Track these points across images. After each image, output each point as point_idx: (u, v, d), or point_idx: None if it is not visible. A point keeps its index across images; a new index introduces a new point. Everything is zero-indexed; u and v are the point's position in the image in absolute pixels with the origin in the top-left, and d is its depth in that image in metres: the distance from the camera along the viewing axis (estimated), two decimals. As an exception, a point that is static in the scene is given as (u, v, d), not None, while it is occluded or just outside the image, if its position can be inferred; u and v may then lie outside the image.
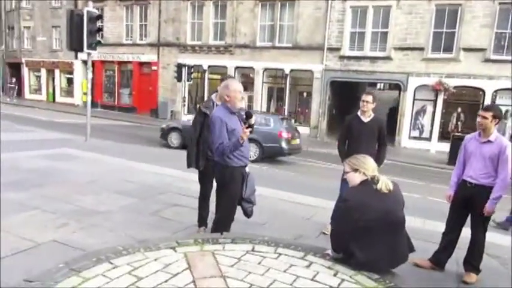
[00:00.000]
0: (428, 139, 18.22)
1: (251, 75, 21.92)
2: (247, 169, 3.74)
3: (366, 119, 4.60)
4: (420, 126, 18.66)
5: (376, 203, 2.77)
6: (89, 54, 10.61)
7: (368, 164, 2.95)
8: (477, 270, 3.88)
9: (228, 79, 3.73)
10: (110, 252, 2.88)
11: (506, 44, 16.70)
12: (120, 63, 25.59)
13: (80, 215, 4.84)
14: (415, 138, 18.59)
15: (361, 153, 3.68)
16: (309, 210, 5.97)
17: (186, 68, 20.03)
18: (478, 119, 3.80)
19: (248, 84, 22.38)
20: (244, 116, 3.74)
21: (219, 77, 22.87)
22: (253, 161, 11.73)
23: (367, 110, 4.56)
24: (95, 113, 23.78)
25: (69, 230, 4.33)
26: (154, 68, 24.15)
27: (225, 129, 3.37)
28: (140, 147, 11.75)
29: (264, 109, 22.11)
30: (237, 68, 21.80)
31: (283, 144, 11.43)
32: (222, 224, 3.61)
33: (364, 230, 2.75)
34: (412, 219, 5.94)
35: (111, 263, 2.69)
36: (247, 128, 3.39)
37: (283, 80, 21.16)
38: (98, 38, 11.10)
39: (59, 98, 29.10)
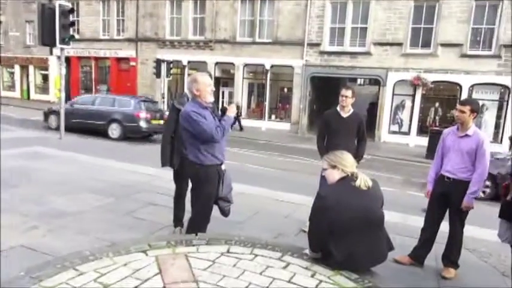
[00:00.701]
0: (407, 133, 18.46)
1: (231, 71, 21.73)
2: (223, 167, 3.61)
3: (345, 114, 4.53)
4: (399, 121, 18.87)
5: (354, 201, 2.69)
6: (62, 49, 10.26)
7: (346, 160, 2.86)
8: (456, 265, 3.87)
9: (196, 73, 3.58)
10: (75, 258, 2.71)
11: (482, 39, 17.01)
12: (97, 59, 25.02)
13: (51, 217, 4.63)
14: (394, 132, 18.81)
15: (340, 149, 3.61)
16: (289, 207, 5.89)
17: (165, 63, 19.65)
18: (456, 113, 3.77)
19: (228, 80, 22.23)
20: (220, 113, 3.63)
21: (199, 72, 22.76)
22: (115, 139, 12.77)
23: (347, 105, 4.48)
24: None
25: (38, 234, 4.13)
26: (132, 63, 23.69)
27: (202, 117, 3.24)
28: (118, 144, 11.46)
29: (245, 105, 22.01)
30: (217, 63, 21.58)
31: (142, 124, 12.94)
32: (197, 225, 3.47)
33: (342, 229, 2.67)
34: (392, 215, 5.97)
35: (76, 270, 2.52)
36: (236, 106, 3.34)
37: (264, 75, 21.06)
38: (72, 33, 10.73)
39: (33, 95, 28.25)
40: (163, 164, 4.20)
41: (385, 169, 11.84)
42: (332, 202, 2.67)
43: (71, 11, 10.08)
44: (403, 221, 5.59)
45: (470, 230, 5.02)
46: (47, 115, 14.41)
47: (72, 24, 10.20)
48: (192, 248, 2.99)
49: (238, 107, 19.74)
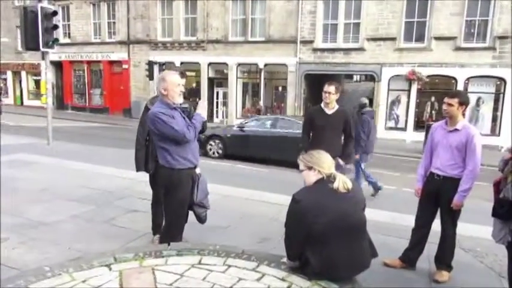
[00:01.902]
0: (404, 129, 18.24)
1: (225, 71, 21.50)
2: (197, 170, 3.39)
3: (329, 111, 4.32)
4: (395, 117, 18.66)
5: (332, 204, 2.47)
6: (46, 53, 10.01)
7: (323, 161, 2.64)
8: (449, 268, 3.65)
9: (167, 71, 3.33)
10: (31, 275, 2.50)
11: (476, 31, 16.80)
12: (89, 62, 24.76)
13: (25, 228, 4.41)
14: (391, 128, 18.58)
15: (325, 147, 3.39)
16: (276, 209, 5.64)
17: (158, 65, 19.44)
18: (444, 107, 3.55)
19: (222, 80, 22.00)
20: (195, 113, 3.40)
21: (193, 74, 22.54)
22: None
23: (331, 102, 4.27)
24: (65, 115, 23.05)
25: (9, 246, 3.91)
26: (125, 66, 23.44)
27: (171, 118, 3.03)
28: (106, 149, 11.22)
29: (240, 105, 21.78)
30: (210, 64, 21.37)
31: None
32: (171, 233, 3.25)
33: (319, 235, 2.45)
34: (385, 214, 5.76)
35: (28, 289, 2.31)
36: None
37: (258, 74, 20.83)
38: (63, 37, 10.51)
39: (26, 101, 28.01)
40: (138, 169, 3.98)
41: (382, 166, 11.61)
42: (308, 205, 2.46)
43: (54, 13, 9.82)
44: (396, 221, 5.37)
45: (466, 228, 4.82)
46: None
47: (56, 27, 9.93)
48: (161, 260, 2.77)
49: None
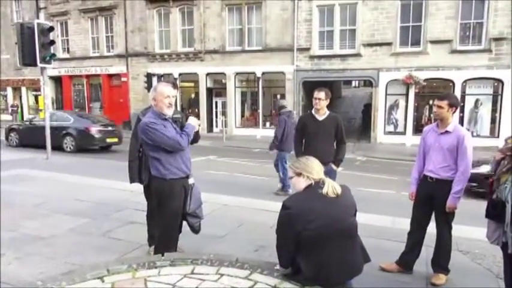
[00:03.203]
0: (403, 133, 18.25)
1: (223, 80, 21.61)
2: (191, 180, 3.40)
3: (320, 117, 4.34)
4: (394, 121, 18.68)
5: (321, 210, 2.48)
6: (43, 68, 10.10)
7: (312, 167, 2.64)
8: (446, 270, 3.63)
9: (160, 82, 3.36)
10: (23, 290, 2.50)
11: (471, 34, 16.89)
12: (88, 76, 24.93)
13: (21, 242, 4.41)
14: (390, 133, 18.60)
15: (318, 153, 3.41)
16: (275, 217, 5.62)
17: (156, 77, 19.59)
18: (434, 109, 3.57)
19: (221, 90, 22.09)
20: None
21: (191, 84, 22.66)
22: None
23: (321, 108, 4.29)
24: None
25: (4, 262, 3.91)
26: (124, 79, 23.59)
27: (163, 127, 3.04)
28: (105, 161, 11.25)
29: (239, 114, 21.84)
30: (208, 74, 21.49)
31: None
32: (165, 244, 3.25)
33: (310, 241, 2.45)
34: (385, 219, 5.74)
35: (20, 304, 2.31)
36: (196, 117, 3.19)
37: (256, 83, 20.92)
38: (62, 52, 10.62)
39: (27, 116, 28.07)
40: (132, 180, 4.00)
41: (382, 170, 11.63)
42: (297, 211, 2.46)
43: (50, 29, 9.93)
44: (395, 225, 5.35)
45: (464, 231, 4.80)
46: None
47: (53, 42, 10.04)
48: (154, 270, 2.77)
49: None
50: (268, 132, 20.50)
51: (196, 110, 21.73)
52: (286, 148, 7.24)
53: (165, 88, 3.14)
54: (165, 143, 3.06)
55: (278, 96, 20.96)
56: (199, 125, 3.31)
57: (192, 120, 3.26)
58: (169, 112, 3.13)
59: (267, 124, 21.29)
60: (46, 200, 6.28)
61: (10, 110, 28.09)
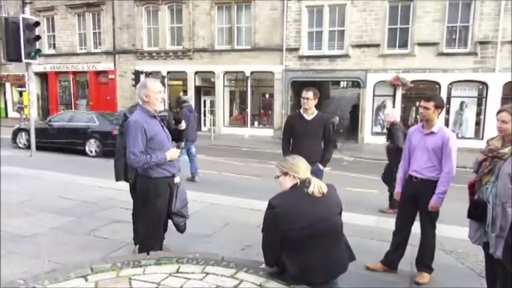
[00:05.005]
0: (390, 134, 18.37)
1: (212, 79, 21.52)
2: (176, 179, 3.37)
3: (308, 116, 4.35)
4: (381, 122, 18.81)
5: (307, 209, 2.48)
6: (29, 64, 9.92)
7: (298, 166, 2.65)
8: (429, 269, 3.69)
9: (147, 78, 3.35)
10: (4, 289, 2.45)
11: (457, 37, 17.14)
12: (75, 73, 24.54)
13: (3, 241, 4.32)
14: (377, 133, 18.76)
15: (306, 152, 3.42)
16: (262, 216, 5.63)
17: (144, 75, 19.43)
18: (420, 110, 3.62)
19: (210, 88, 22.01)
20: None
21: (180, 82, 22.51)
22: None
23: (309, 107, 4.30)
24: (50, 126, 22.75)
25: (-14, 261, 3.83)
26: (111, 76, 23.30)
27: (141, 135, 2.97)
28: (90, 159, 11.11)
29: (227, 113, 21.79)
30: (196, 72, 21.37)
31: None
32: (149, 243, 3.22)
33: (295, 239, 2.46)
34: (370, 218, 5.81)
35: (1, 303, 2.26)
36: (178, 147, 3.10)
37: (245, 82, 20.89)
38: (48, 48, 10.43)
39: (11, 113, 27.57)
40: (118, 179, 3.96)
41: (368, 170, 11.72)
42: (283, 210, 2.46)
43: (36, 24, 9.75)
44: (379, 224, 5.41)
45: (449, 230, 4.87)
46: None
47: (38, 38, 9.85)
48: (139, 269, 2.74)
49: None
50: (256, 132, 20.60)
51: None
52: (189, 138, 8.02)
53: (157, 84, 3.16)
54: (129, 148, 3.03)
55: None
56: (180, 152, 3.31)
57: (170, 155, 3.17)
58: (161, 107, 3.14)
59: (256, 123, 21.32)
60: (30, 197, 6.17)
61: (17, 107, 27.30)
